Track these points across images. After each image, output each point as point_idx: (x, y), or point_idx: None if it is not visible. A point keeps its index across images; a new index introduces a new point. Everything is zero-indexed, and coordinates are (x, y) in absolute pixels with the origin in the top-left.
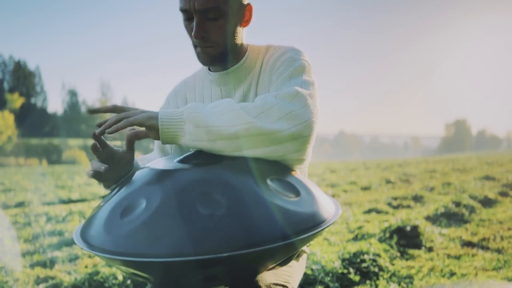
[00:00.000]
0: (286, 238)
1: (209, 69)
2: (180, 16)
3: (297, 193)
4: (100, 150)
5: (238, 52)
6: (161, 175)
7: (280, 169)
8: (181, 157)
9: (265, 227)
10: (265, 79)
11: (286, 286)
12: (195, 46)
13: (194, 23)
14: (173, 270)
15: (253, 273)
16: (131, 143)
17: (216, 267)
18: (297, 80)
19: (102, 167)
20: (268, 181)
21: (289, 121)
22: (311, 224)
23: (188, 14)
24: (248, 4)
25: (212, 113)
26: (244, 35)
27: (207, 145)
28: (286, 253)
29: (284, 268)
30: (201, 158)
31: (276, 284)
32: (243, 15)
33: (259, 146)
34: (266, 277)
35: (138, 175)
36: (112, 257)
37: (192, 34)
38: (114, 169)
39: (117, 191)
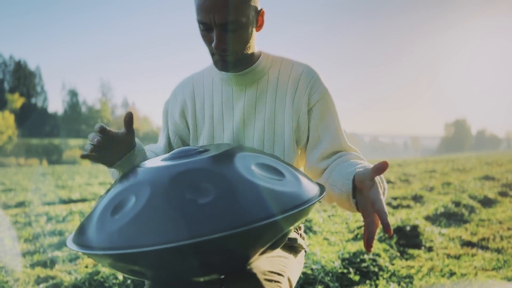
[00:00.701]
0: (273, 217)
1: None
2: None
3: (282, 175)
4: (102, 139)
5: (252, 55)
6: (149, 172)
7: (265, 156)
8: (168, 155)
9: (252, 208)
10: (288, 95)
11: (281, 275)
12: (213, 54)
13: (215, 36)
14: (165, 258)
15: (245, 257)
16: (129, 124)
17: (207, 251)
18: (341, 127)
19: (95, 139)
20: (253, 167)
21: None
22: (295, 203)
23: (207, 26)
24: (262, 10)
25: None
26: (256, 39)
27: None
28: (275, 233)
29: (279, 258)
30: (187, 154)
31: (271, 272)
32: (257, 21)
33: None
34: (261, 265)
35: (127, 176)
36: (103, 252)
37: (213, 45)
38: (115, 150)
39: (108, 193)
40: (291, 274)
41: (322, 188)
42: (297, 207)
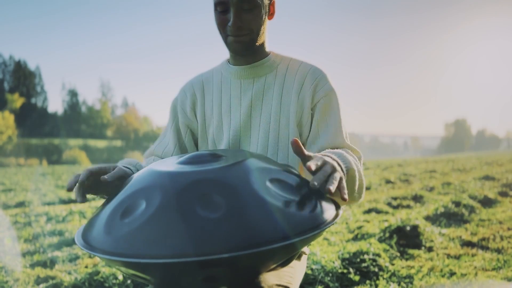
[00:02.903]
0: (287, 239)
1: (229, 63)
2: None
3: (297, 194)
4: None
5: (262, 48)
6: (161, 176)
7: (281, 170)
8: (182, 158)
9: (266, 228)
10: (294, 90)
11: (288, 287)
12: (227, 36)
13: (232, 14)
14: (173, 271)
15: (254, 274)
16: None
17: (216, 268)
18: (343, 126)
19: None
20: (268, 182)
21: (361, 194)
22: (311, 225)
23: (224, 6)
24: None
25: (361, 184)
26: (268, 31)
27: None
28: (287, 254)
29: (286, 269)
30: (202, 159)
31: (279, 285)
32: (269, 8)
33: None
34: (268, 278)
35: (139, 177)
36: (112, 258)
37: (230, 24)
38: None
39: (118, 193)
40: (297, 284)
41: (337, 207)
42: (312, 229)
